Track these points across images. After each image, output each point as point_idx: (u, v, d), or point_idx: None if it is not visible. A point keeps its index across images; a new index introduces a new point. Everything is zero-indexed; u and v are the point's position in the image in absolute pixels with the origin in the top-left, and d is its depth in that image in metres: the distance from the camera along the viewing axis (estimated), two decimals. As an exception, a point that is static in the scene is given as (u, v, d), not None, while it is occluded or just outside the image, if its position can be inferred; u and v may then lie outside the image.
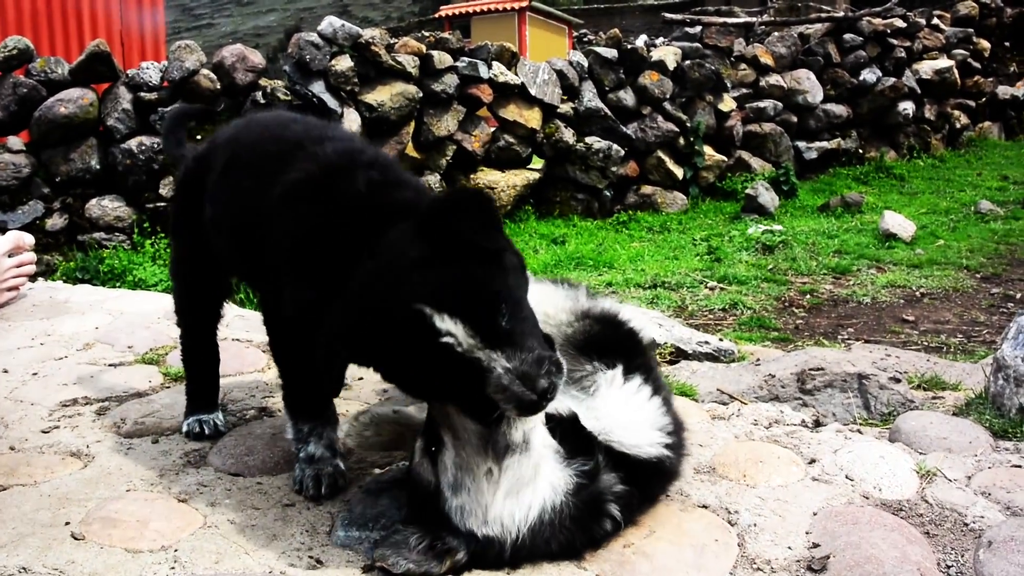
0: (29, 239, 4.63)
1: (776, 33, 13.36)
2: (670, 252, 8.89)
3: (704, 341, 4.54)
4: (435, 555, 1.99)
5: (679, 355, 4.41)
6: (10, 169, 8.36)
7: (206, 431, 2.80)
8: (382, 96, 9.62)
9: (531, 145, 10.82)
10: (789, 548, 2.17)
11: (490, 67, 10.44)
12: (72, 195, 8.66)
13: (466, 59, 10.33)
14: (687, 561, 2.10)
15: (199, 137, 8.66)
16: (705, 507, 2.37)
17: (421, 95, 9.91)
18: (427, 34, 10.81)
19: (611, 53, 11.33)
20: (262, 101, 9.03)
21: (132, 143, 8.70)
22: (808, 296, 6.96)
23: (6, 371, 3.46)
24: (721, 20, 13.11)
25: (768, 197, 10.67)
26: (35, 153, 8.63)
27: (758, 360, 4.22)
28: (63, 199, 8.63)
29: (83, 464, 2.60)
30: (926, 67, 13.93)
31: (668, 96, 11.45)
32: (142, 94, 8.86)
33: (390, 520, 2.18)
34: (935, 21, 14.64)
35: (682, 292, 7.19)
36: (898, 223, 8.95)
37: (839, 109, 13.05)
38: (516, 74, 10.65)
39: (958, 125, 14.44)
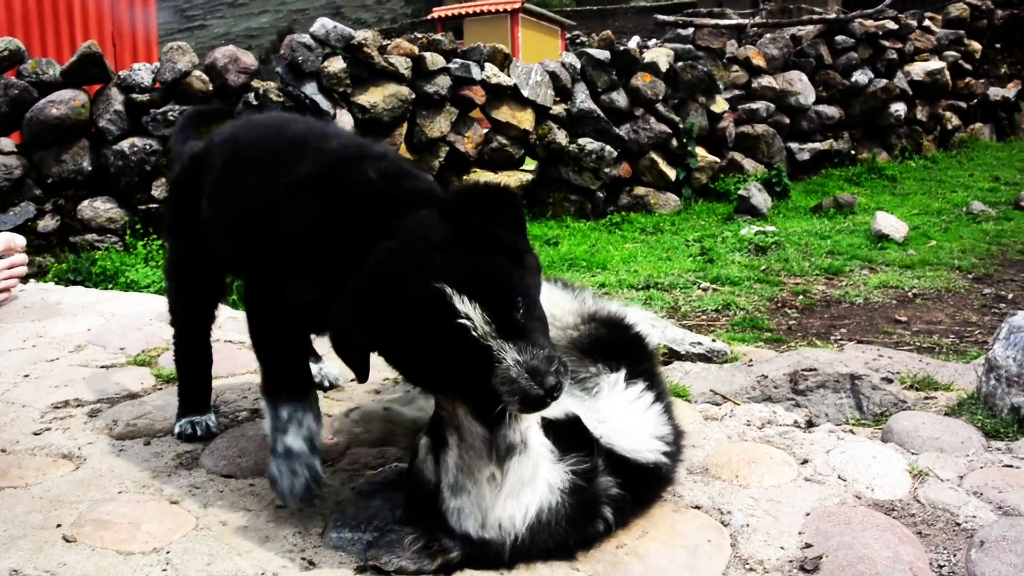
0: (20, 241, 4.62)
1: (768, 35, 13.38)
2: (663, 253, 8.90)
3: (697, 342, 4.54)
4: (429, 555, 1.99)
5: (672, 356, 4.41)
6: (1, 171, 8.34)
7: (198, 432, 2.80)
8: (375, 97, 9.61)
9: (524, 146, 10.83)
10: (782, 548, 2.17)
11: (483, 68, 10.44)
12: (64, 196, 8.64)
13: (459, 60, 10.33)
14: (680, 562, 2.11)
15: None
16: (698, 508, 2.37)
17: (414, 96, 9.90)
18: (420, 35, 10.81)
19: (604, 54, 11.33)
20: (254, 103, 9.02)
21: (124, 144, 8.68)
22: (801, 297, 6.97)
23: (-3, 373, 3.45)
24: (713, 22, 13.12)
25: (761, 198, 10.69)
26: (27, 155, 8.60)
27: (751, 361, 4.23)
28: (55, 200, 8.61)
29: (75, 466, 2.59)
30: (918, 69, 13.97)
31: (661, 97, 11.47)
32: (134, 95, 8.84)
33: (383, 521, 2.18)
34: (926, 23, 14.68)
35: (675, 293, 7.20)
36: (890, 224, 8.97)
37: (831, 110, 13.07)
38: (509, 75, 10.65)
39: (950, 126, 14.47)
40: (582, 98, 11.07)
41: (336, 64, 9.45)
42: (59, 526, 2.19)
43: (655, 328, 4.61)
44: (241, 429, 2.89)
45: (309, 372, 2.40)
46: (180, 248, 2.81)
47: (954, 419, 3.09)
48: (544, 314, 1.96)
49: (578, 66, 11.31)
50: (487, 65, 10.52)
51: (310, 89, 9.33)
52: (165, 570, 2.01)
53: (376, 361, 1.96)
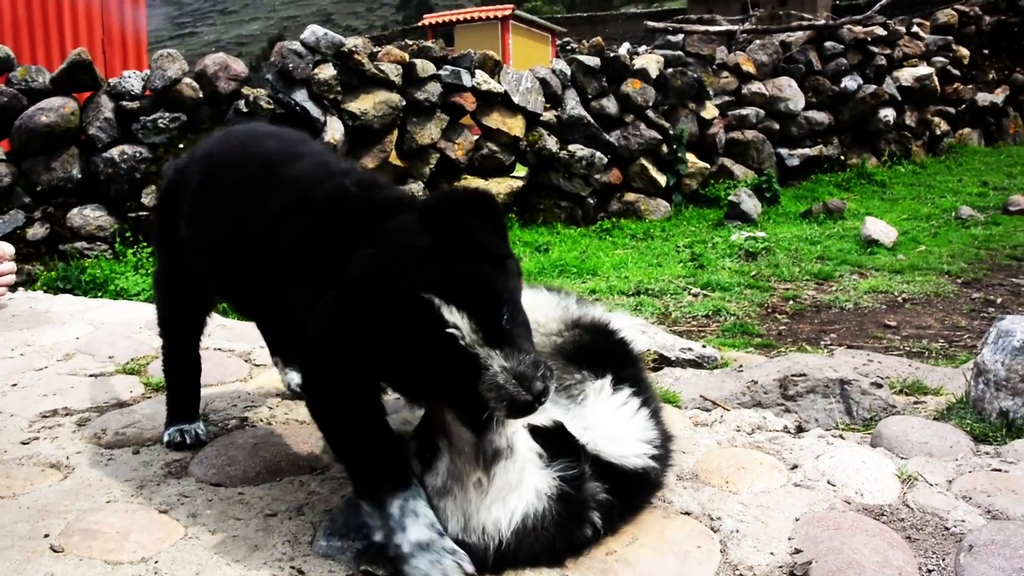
0: (9, 249, 4.61)
1: (758, 41, 13.42)
2: (653, 259, 8.91)
3: (687, 348, 4.55)
4: None
5: (662, 362, 4.42)
6: (-10, 179, 8.32)
7: (187, 441, 2.79)
8: (365, 104, 9.61)
9: (514, 153, 10.83)
10: (771, 554, 2.17)
11: (473, 75, 10.45)
12: (53, 204, 8.61)
13: (449, 67, 10.34)
14: (669, 568, 2.11)
15: (181, 146, 8.63)
16: (688, 514, 2.38)
17: (404, 103, 9.90)
18: (410, 42, 10.81)
19: (594, 61, 11.36)
20: (245, 110, 9.00)
21: (114, 152, 8.66)
22: (791, 302, 6.99)
23: (-15, 382, 3.43)
24: (703, 28, 13.17)
25: (751, 204, 10.71)
26: (16, 162, 8.57)
27: (741, 366, 4.23)
28: (44, 208, 8.58)
29: (63, 475, 2.58)
30: (906, 74, 14.03)
31: (651, 104, 11.49)
32: (124, 103, 8.82)
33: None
34: (915, 29, 14.75)
35: (665, 299, 7.21)
36: (880, 229, 8.99)
37: (821, 116, 13.12)
38: (499, 82, 10.66)
39: (938, 132, 14.53)
40: (572, 104, 11.09)
41: (326, 71, 9.45)
42: (47, 536, 2.18)
43: (645, 334, 4.61)
44: (231, 438, 2.88)
45: (402, 446, 2.13)
46: (167, 261, 2.80)
47: (943, 423, 3.10)
48: (527, 319, 1.97)
49: (568, 73, 11.32)
50: (477, 72, 10.53)
51: (300, 96, 9.32)
52: (153, 580, 2.00)
53: None
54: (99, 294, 7.16)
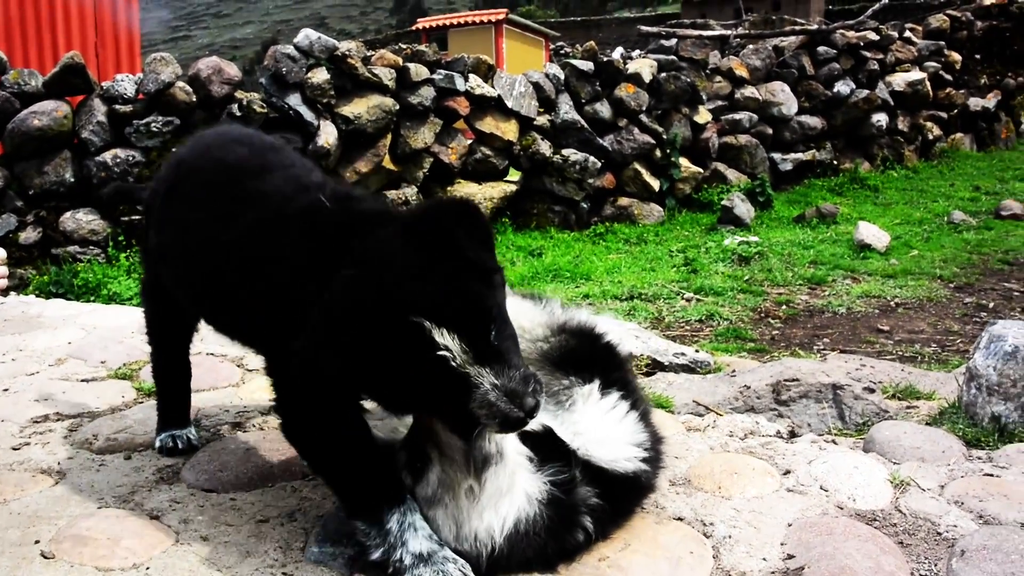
0: (1, 253, 4.60)
1: (751, 46, 13.45)
2: (647, 264, 8.92)
3: (680, 353, 4.55)
4: None
5: (655, 367, 4.42)
6: (-18, 182, 8.29)
7: (179, 446, 2.78)
8: (359, 109, 9.61)
9: (508, 157, 10.84)
10: (764, 560, 2.17)
11: (467, 80, 10.46)
12: (46, 208, 8.58)
13: (443, 72, 10.34)
14: (662, 574, 2.11)
15: (174, 150, 8.61)
16: (680, 519, 2.38)
17: (398, 108, 9.90)
18: (404, 47, 10.80)
19: (587, 65, 11.37)
20: (238, 114, 8.99)
21: (107, 156, 8.63)
22: (784, 307, 7.00)
23: (-24, 387, 3.42)
24: (696, 33, 13.19)
25: (744, 208, 10.73)
26: (8, 166, 8.55)
27: (734, 371, 4.24)
28: (37, 212, 8.55)
29: (54, 481, 2.57)
30: (899, 79, 14.07)
31: (644, 108, 11.50)
32: (117, 107, 8.80)
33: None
34: (907, 34, 14.79)
35: (659, 304, 7.21)
36: (872, 234, 9.01)
37: (814, 121, 13.15)
38: (493, 86, 10.67)
39: (931, 136, 14.58)
40: (566, 109, 11.10)
41: (320, 75, 9.44)
42: (37, 542, 2.17)
43: (639, 339, 4.62)
44: (222, 443, 2.87)
45: (393, 461, 2.10)
46: (153, 272, 2.77)
47: (935, 428, 3.10)
48: (514, 330, 1.96)
49: (562, 77, 11.34)
50: (471, 76, 10.53)
51: (294, 100, 9.31)
52: (144, 586, 1.99)
53: None
54: (92, 298, 7.14)
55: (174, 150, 2.76)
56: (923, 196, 12.12)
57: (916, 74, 14.26)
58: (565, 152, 10.85)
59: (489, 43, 23.93)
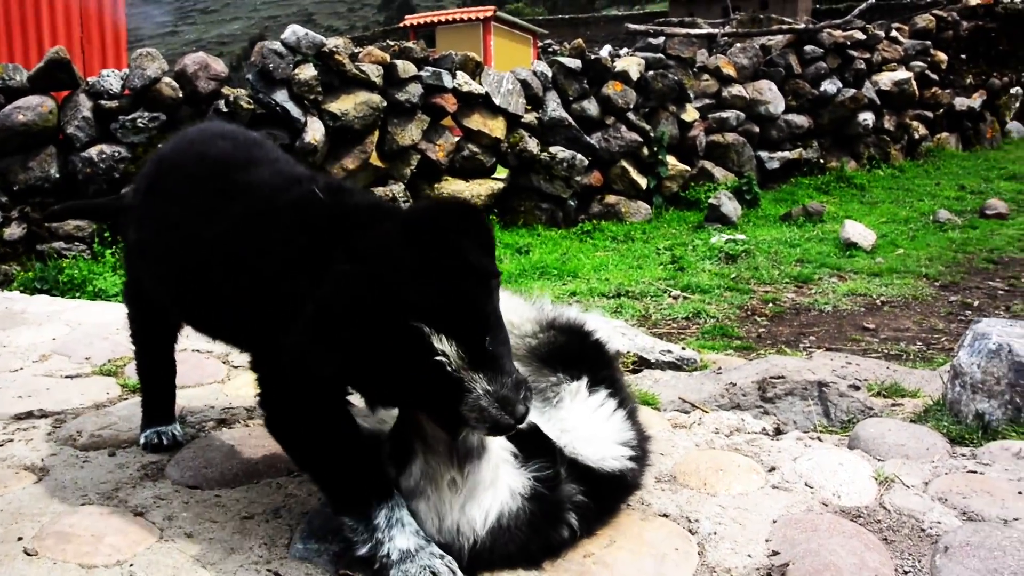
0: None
1: (738, 44, 13.47)
2: (634, 261, 8.93)
3: (667, 350, 4.56)
4: None
5: (642, 364, 4.43)
6: (-34, 178, 8.24)
7: (164, 442, 2.77)
8: (346, 105, 9.58)
9: (495, 155, 10.83)
10: (749, 556, 2.18)
11: (454, 77, 10.44)
12: (31, 204, 8.53)
13: (430, 68, 10.32)
14: (647, 571, 2.11)
15: (160, 146, 8.58)
16: (666, 516, 2.38)
17: (385, 104, 9.88)
18: (391, 43, 10.78)
19: (575, 63, 11.37)
20: (225, 110, 8.96)
21: (92, 151, 8.59)
22: (770, 305, 7.02)
23: (-41, 383, 3.40)
24: (684, 31, 13.20)
25: (731, 207, 10.75)
26: (-8, 162, 8.50)
27: (720, 368, 4.25)
28: (21, 208, 8.50)
29: (37, 478, 2.56)
30: (885, 79, 14.12)
31: (632, 106, 11.51)
32: (103, 102, 8.75)
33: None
34: (894, 34, 14.84)
35: (646, 301, 7.22)
36: (859, 232, 9.05)
37: (800, 119, 13.18)
38: (480, 84, 10.66)
39: (917, 136, 14.64)
40: (553, 106, 11.10)
41: (307, 71, 9.41)
42: (20, 539, 2.16)
43: (625, 336, 4.62)
44: (208, 439, 2.86)
45: (379, 455, 2.10)
46: (134, 277, 2.74)
47: (920, 426, 3.12)
48: (507, 334, 1.96)
49: (550, 75, 11.33)
50: (459, 73, 10.52)
51: (281, 96, 9.28)
52: (128, 583, 1.98)
53: None
54: (77, 295, 7.11)
55: (159, 146, 2.73)
56: (909, 195, 12.17)
57: (902, 73, 14.32)
58: (552, 150, 10.85)
59: (477, 40, 23.90)
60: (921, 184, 12.86)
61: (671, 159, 11.77)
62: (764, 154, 12.88)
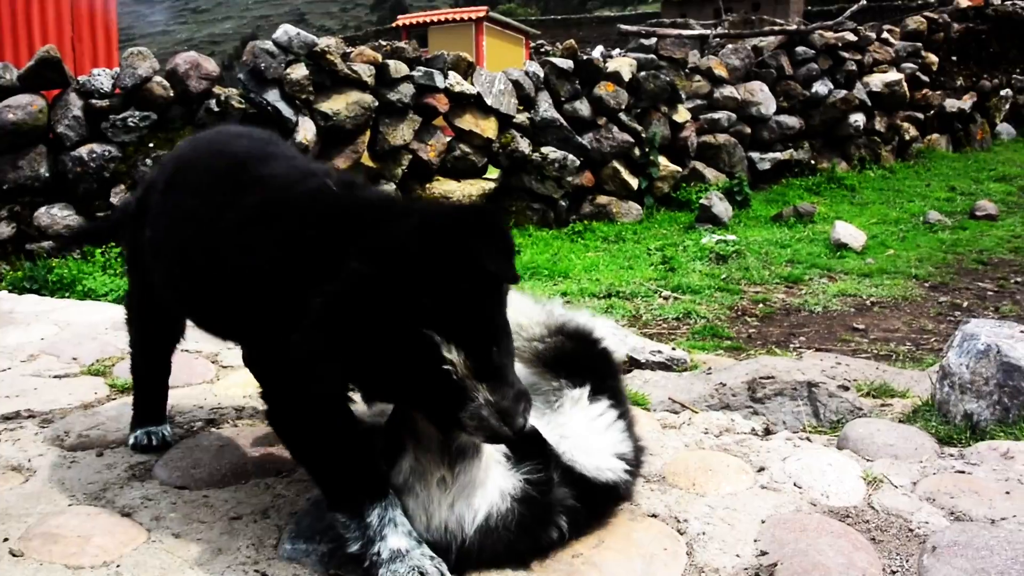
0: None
1: (730, 45, 13.49)
2: (625, 262, 8.93)
3: (657, 350, 4.56)
4: None
5: (632, 364, 4.43)
6: (-45, 177, 8.20)
7: (154, 443, 2.76)
8: (337, 105, 9.57)
9: (487, 155, 10.82)
10: (737, 556, 2.18)
11: (446, 77, 10.43)
12: (20, 203, 8.49)
13: (422, 68, 10.31)
14: (636, 571, 2.11)
15: (151, 145, 8.55)
16: (655, 516, 2.38)
17: (377, 104, 9.86)
18: (383, 43, 10.77)
19: (567, 64, 11.37)
20: (216, 109, 8.93)
21: (83, 151, 8.56)
22: (761, 305, 7.03)
23: (-54, 383, 3.38)
24: (676, 32, 13.22)
25: (722, 207, 10.77)
26: (-19, 161, 8.46)
27: (710, 369, 4.25)
28: (11, 207, 8.46)
29: (24, 478, 2.55)
30: (876, 80, 14.16)
31: (623, 107, 11.52)
32: (93, 101, 8.72)
33: (337, 532, 2.16)
34: (885, 35, 14.89)
35: (636, 301, 7.23)
36: (849, 233, 9.07)
37: (792, 121, 13.21)
38: (472, 84, 10.65)
39: (907, 137, 14.68)
40: (545, 107, 11.10)
41: (299, 71, 9.40)
42: (6, 540, 2.15)
43: (615, 336, 4.62)
44: (196, 440, 2.86)
45: (376, 455, 2.08)
46: (138, 283, 2.73)
47: (908, 426, 3.12)
48: (512, 344, 1.97)
49: (541, 75, 11.33)
50: (451, 73, 10.51)
51: (272, 96, 9.26)
52: (115, 584, 1.97)
53: None
54: (66, 294, 7.08)
55: (177, 144, 2.73)
56: (899, 196, 12.21)
57: (893, 75, 14.36)
58: (544, 150, 10.85)
59: (469, 40, 23.88)
60: (911, 185, 12.90)
61: (662, 160, 11.78)
62: (755, 155, 12.90)
